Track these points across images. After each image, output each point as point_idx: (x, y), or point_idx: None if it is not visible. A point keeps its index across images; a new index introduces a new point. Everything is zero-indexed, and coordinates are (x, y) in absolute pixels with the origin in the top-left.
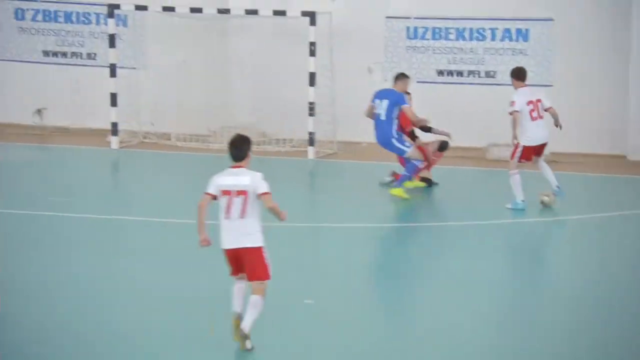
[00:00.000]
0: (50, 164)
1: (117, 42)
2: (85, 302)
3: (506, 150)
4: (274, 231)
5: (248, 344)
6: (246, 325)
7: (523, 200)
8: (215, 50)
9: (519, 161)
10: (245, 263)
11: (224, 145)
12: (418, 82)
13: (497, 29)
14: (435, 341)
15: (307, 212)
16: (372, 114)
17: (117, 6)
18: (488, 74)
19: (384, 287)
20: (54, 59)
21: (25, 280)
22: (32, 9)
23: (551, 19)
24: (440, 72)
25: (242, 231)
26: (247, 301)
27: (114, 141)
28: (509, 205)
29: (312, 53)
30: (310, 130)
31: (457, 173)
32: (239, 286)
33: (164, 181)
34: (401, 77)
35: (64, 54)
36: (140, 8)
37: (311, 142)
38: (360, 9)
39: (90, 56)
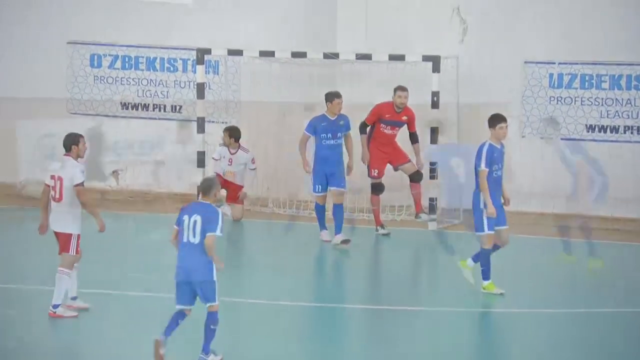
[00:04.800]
0: (125, 234)
1: (207, 92)
2: None
3: None
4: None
5: None
6: None
7: None
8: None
9: None
10: None
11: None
12: (562, 139)
13: None
14: None
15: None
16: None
17: (208, 51)
18: None
19: None
20: (134, 112)
21: None
22: (110, 55)
23: None
24: (590, 128)
25: None
26: None
27: None
28: None
29: (435, 104)
30: (432, 196)
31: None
32: None
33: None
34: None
35: (145, 107)
36: (234, 53)
37: (432, 209)
38: (493, 52)
39: (175, 109)
